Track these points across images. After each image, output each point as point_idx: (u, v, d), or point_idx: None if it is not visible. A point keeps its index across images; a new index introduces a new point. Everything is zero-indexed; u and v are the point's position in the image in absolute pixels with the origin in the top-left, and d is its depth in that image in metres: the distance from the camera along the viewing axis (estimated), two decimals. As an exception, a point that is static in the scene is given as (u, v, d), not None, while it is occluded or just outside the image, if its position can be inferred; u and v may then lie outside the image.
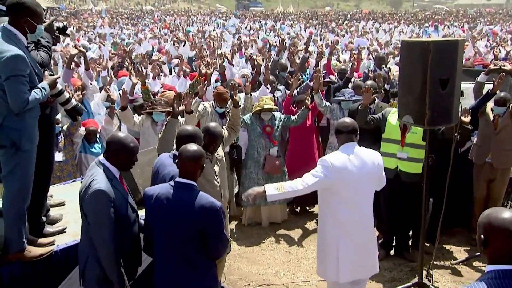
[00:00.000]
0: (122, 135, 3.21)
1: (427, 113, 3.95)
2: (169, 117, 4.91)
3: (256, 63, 7.78)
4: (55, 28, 3.80)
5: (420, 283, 4.42)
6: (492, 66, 5.65)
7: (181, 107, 4.79)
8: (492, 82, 5.52)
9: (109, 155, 3.08)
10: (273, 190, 3.62)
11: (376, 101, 5.86)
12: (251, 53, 10.06)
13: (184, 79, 8.09)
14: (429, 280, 4.48)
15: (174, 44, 13.24)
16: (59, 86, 3.52)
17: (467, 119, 5.02)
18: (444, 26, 23.69)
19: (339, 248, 3.73)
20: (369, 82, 6.25)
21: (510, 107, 5.35)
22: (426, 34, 19.71)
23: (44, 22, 3.47)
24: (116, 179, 3.09)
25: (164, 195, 3.05)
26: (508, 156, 5.43)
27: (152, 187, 3.22)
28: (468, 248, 5.50)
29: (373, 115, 5.26)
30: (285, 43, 9.78)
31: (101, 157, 3.12)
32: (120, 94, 5.43)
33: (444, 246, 5.52)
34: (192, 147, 3.11)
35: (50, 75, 3.38)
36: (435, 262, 4.79)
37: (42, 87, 3.21)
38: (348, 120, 3.90)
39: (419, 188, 4.67)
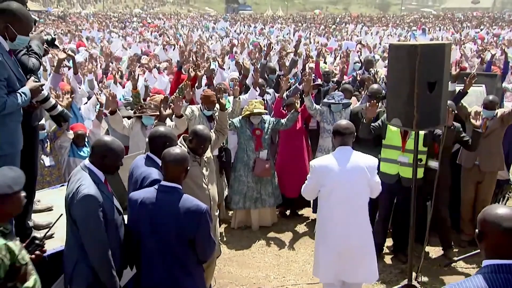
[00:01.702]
0: (108, 138, 3.20)
1: (415, 115, 3.98)
2: (156, 120, 4.90)
3: (243, 67, 7.79)
4: (44, 39, 3.80)
5: (409, 285, 4.44)
6: (453, 72, 5.71)
7: (168, 111, 4.78)
8: (479, 84, 5.59)
9: (95, 159, 3.07)
10: None
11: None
12: (244, 58, 10.05)
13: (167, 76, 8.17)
14: (418, 282, 4.51)
15: (164, 48, 13.21)
16: (44, 92, 3.49)
17: (478, 122, 4.99)
18: (430, 30, 23.93)
19: (319, 248, 3.97)
20: (375, 86, 6.03)
21: (499, 111, 5.42)
22: (414, 37, 19.88)
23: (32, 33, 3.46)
24: (102, 183, 3.08)
25: (149, 199, 3.04)
26: (496, 159, 5.49)
27: (136, 192, 3.21)
28: (457, 250, 5.53)
29: (373, 124, 5.18)
30: (272, 46, 9.80)
31: (87, 161, 3.11)
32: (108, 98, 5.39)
33: (434, 248, 5.54)
34: (175, 150, 3.13)
35: (35, 81, 3.36)
36: (424, 264, 4.83)
37: (22, 92, 3.19)
38: (344, 122, 3.95)
39: (420, 192, 4.72)
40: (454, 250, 5.48)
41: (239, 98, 6.26)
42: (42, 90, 3.45)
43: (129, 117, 5.61)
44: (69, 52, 6.71)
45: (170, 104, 5.31)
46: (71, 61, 7.34)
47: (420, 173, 5.05)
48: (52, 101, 3.58)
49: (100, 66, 8.50)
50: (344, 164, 3.81)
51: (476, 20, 34.15)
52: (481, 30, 24.26)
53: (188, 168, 3.15)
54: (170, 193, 3.04)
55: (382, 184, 4.05)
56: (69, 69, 7.82)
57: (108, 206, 3.02)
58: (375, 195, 3.98)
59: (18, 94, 3.16)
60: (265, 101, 6.85)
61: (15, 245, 2.48)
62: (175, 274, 3.04)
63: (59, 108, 3.64)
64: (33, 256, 2.68)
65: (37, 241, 2.75)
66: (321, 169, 3.89)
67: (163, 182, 3.09)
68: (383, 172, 5.07)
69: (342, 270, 3.90)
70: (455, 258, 5.29)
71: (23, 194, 2.56)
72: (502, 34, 20.93)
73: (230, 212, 6.39)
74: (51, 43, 3.95)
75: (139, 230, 3.07)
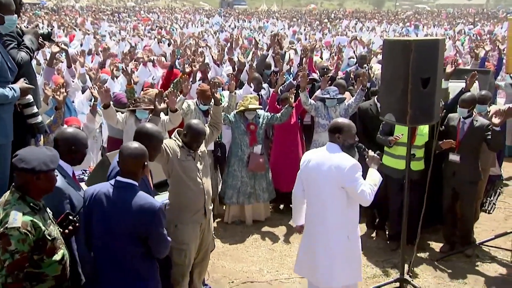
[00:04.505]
0: (71, 130, 3.20)
1: (409, 111, 4.00)
2: (150, 114, 4.88)
3: (239, 61, 7.79)
4: (39, 33, 3.79)
5: (401, 279, 4.49)
6: (448, 70, 5.73)
7: (163, 105, 4.76)
8: (465, 80, 5.63)
9: (60, 153, 2.99)
10: None
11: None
12: (238, 52, 10.03)
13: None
14: (410, 276, 4.56)
15: (158, 43, 13.16)
16: (30, 98, 3.48)
17: (497, 120, 4.92)
18: (424, 26, 24.00)
19: (301, 241, 3.97)
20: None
21: (492, 108, 5.46)
22: (408, 34, 19.93)
23: (17, 12, 3.47)
24: (69, 176, 3.09)
25: (103, 194, 2.97)
26: (488, 156, 5.53)
27: (92, 186, 3.14)
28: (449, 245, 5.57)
29: (383, 127, 5.33)
30: (277, 38, 9.77)
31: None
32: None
33: (425, 242, 5.58)
34: (133, 144, 3.05)
35: (26, 83, 3.39)
36: (415, 258, 4.87)
37: (13, 88, 3.22)
38: (335, 120, 3.90)
39: (421, 185, 4.80)
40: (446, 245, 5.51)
41: (235, 93, 6.26)
42: (29, 93, 3.45)
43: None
44: (62, 46, 6.67)
45: (165, 98, 5.30)
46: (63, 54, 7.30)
47: (421, 165, 5.22)
48: (35, 109, 3.55)
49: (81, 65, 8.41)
50: (322, 161, 3.68)
51: (470, 16, 34.27)
52: (475, 26, 24.35)
53: (146, 163, 3.05)
54: (124, 189, 2.95)
55: (391, 180, 3.98)
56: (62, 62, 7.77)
57: (75, 199, 3.02)
58: (362, 203, 3.67)
59: (8, 88, 3.19)
60: (260, 96, 6.85)
61: (43, 220, 2.66)
62: (128, 271, 2.98)
63: (39, 118, 3.60)
64: (66, 231, 2.83)
65: (70, 217, 2.88)
66: (303, 160, 3.87)
67: (118, 178, 3.00)
68: (392, 167, 5.21)
69: (310, 268, 3.83)
70: (447, 253, 5.34)
71: (56, 174, 2.74)
72: (495, 30, 21.02)
73: (224, 207, 6.40)
74: (47, 37, 3.94)
75: (91, 226, 3.01)
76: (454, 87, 5.84)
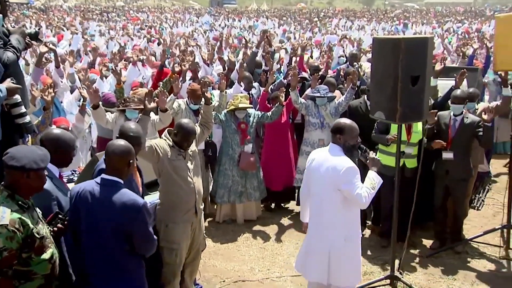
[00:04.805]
0: (58, 131, 3.18)
1: (399, 109, 4.04)
2: (140, 114, 4.85)
3: (229, 60, 7.77)
4: (26, 33, 3.75)
5: (392, 275, 4.52)
6: (437, 67, 5.78)
7: (153, 104, 4.73)
8: (454, 78, 5.67)
9: None
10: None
11: None
12: (228, 52, 10.01)
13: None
14: (400, 273, 4.58)
15: (148, 42, 13.10)
16: (17, 98, 3.44)
17: (488, 117, 5.00)
18: (413, 24, 24.15)
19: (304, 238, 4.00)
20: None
21: (480, 106, 5.51)
22: (397, 32, 20.04)
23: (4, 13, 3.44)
24: (56, 177, 3.07)
25: (88, 192, 2.97)
26: (476, 153, 5.58)
27: (77, 185, 3.16)
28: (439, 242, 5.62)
29: (378, 125, 5.33)
30: (266, 35, 9.75)
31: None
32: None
33: (416, 239, 5.62)
34: (119, 142, 3.07)
35: (13, 83, 3.36)
36: (407, 256, 4.90)
37: None
38: (337, 120, 3.91)
39: (413, 183, 4.83)
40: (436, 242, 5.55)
41: (226, 92, 6.25)
42: (16, 93, 3.41)
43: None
44: (50, 46, 6.62)
45: (155, 98, 5.27)
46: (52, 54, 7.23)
47: (415, 163, 5.24)
48: (22, 109, 3.51)
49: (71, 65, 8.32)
50: (322, 162, 3.72)
51: (458, 14, 34.55)
52: (463, 25, 24.55)
53: (131, 161, 3.05)
54: (108, 187, 2.96)
55: (385, 177, 3.96)
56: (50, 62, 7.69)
57: (63, 200, 3.01)
58: (358, 206, 3.68)
59: None
60: (251, 95, 6.85)
61: (32, 219, 2.65)
62: (113, 270, 2.98)
63: (27, 118, 3.56)
64: (55, 229, 2.84)
65: (60, 216, 2.88)
66: (309, 159, 3.92)
67: (103, 175, 3.01)
68: (386, 165, 5.18)
69: (306, 266, 3.86)
70: (437, 250, 5.38)
71: (46, 173, 2.74)
72: (483, 28, 21.21)
73: (215, 206, 6.39)
74: (34, 37, 3.90)
75: (78, 223, 3.00)
76: (443, 85, 5.88)
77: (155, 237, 3.12)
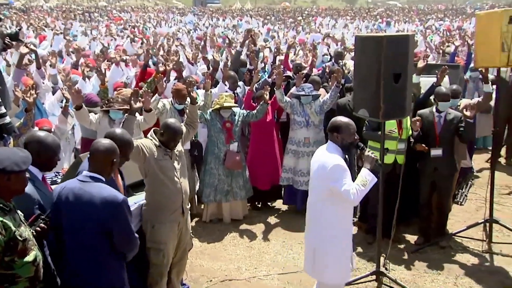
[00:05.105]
0: (42, 134, 3.14)
1: (382, 106, 4.07)
2: (126, 114, 4.82)
3: (214, 59, 7.76)
4: (5, 33, 3.69)
5: (377, 271, 4.56)
6: (419, 65, 5.85)
7: (139, 104, 4.70)
8: (436, 75, 5.74)
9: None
10: None
11: None
12: (213, 51, 9.99)
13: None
14: (386, 269, 4.63)
15: (131, 42, 13.00)
16: None
17: (470, 113, 5.08)
18: (396, 22, 24.36)
19: None
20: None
21: (462, 102, 5.59)
22: (380, 30, 20.19)
23: None
24: (39, 180, 3.04)
25: (70, 189, 2.97)
26: (457, 149, 5.65)
27: (60, 184, 3.14)
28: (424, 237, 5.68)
29: (370, 122, 5.29)
30: (251, 34, 9.75)
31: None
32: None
33: (401, 236, 5.68)
34: (105, 141, 3.09)
35: None
36: (393, 252, 4.95)
37: None
38: (334, 119, 3.91)
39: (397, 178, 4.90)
40: (420, 237, 5.61)
41: (211, 92, 6.24)
42: None
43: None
44: (31, 47, 6.53)
45: (140, 98, 5.24)
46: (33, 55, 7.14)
47: (402, 159, 5.25)
48: (2, 109, 3.46)
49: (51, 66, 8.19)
50: (317, 159, 3.81)
51: (440, 12, 34.96)
52: (445, 22, 24.85)
53: (115, 160, 3.05)
54: (89, 183, 2.96)
55: (374, 174, 3.98)
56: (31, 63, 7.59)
57: (45, 203, 2.98)
58: (348, 203, 3.71)
59: None
60: (236, 94, 6.85)
61: (14, 221, 2.61)
62: (93, 268, 2.96)
63: (7, 119, 3.51)
64: (38, 228, 2.80)
65: (42, 217, 2.85)
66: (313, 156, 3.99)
67: (85, 172, 3.01)
68: None
69: (305, 258, 4.03)
70: (421, 246, 5.44)
71: (27, 175, 2.71)
72: (464, 26, 21.49)
73: (202, 206, 6.38)
74: (14, 37, 3.84)
75: (60, 222, 2.97)
76: (426, 82, 5.95)
77: (136, 235, 3.09)
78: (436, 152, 5.24)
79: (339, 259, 3.79)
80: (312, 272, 3.90)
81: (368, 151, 3.88)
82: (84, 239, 2.93)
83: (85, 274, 2.96)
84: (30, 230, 2.76)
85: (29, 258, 2.66)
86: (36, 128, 5.35)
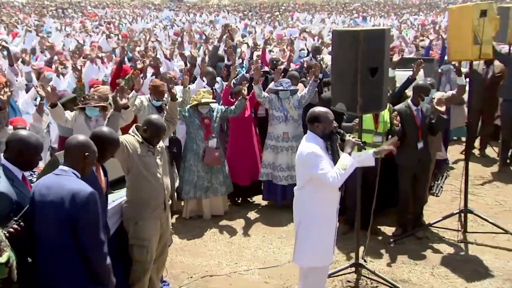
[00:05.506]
0: (24, 133, 3.08)
1: (359, 100, 4.12)
2: (112, 110, 4.74)
3: (191, 55, 7.71)
4: None
5: (356, 263, 4.63)
6: (395, 59, 5.93)
7: (124, 100, 4.61)
8: (412, 69, 5.83)
9: (10, 155, 2.94)
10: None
11: None
12: (190, 47, 9.92)
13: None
14: (365, 261, 4.70)
15: (107, 39, 12.82)
16: None
17: (442, 108, 5.20)
18: (371, 17, 24.60)
19: None
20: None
21: (436, 95, 5.69)
22: (356, 25, 20.35)
23: None
24: (18, 179, 2.99)
25: (44, 184, 2.94)
26: (432, 140, 5.76)
27: (38, 180, 3.10)
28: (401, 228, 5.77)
29: (347, 116, 5.35)
30: (228, 29, 9.71)
31: (1, 157, 2.99)
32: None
33: (378, 227, 5.77)
34: (80, 136, 3.08)
35: None
36: (371, 244, 5.02)
37: None
38: (311, 109, 3.98)
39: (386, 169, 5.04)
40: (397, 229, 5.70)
41: (189, 88, 6.20)
42: None
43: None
44: (3, 43, 6.40)
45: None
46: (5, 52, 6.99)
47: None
48: None
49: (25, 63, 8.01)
50: (299, 149, 3.94)
51: (415, 6, 35.43)
52: (419, 16, 25.21)
53: (87, 154, 3.01)
54: (61, 176, 2.93)
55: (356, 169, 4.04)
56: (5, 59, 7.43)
57: (24, 203, 2.92)
58: (328, 186, 3.74)
59: None
60: (214, 90, 6.83)
61: None
62: (59, 266, 2.90)
63: None
64: (11, 230, 2.74)
65: (14, 218, 2.80)
66: None
67: (60, 167, 2.99)
68: None
69: None
70: (399, 236, 5.54)
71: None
72: (437, 20, 21.83)
73: (182, 203, 6.35)
74: None
75: (34, 219, 2.92)
76: (401, 75, 6.03)
77: (104, 237, 2.99)
78: (420, 144, 5.38)
79: (319, 243, 3.88)
80: (294, 259, 4.01)
81: (349, 136, 3.96)
82: (48, 233, 2.87)
83: (49, 272, 2.91)
84: (2, 232, 2.70)
85: (2, 259, 2.60)
86: (10, 127, 5.25)
